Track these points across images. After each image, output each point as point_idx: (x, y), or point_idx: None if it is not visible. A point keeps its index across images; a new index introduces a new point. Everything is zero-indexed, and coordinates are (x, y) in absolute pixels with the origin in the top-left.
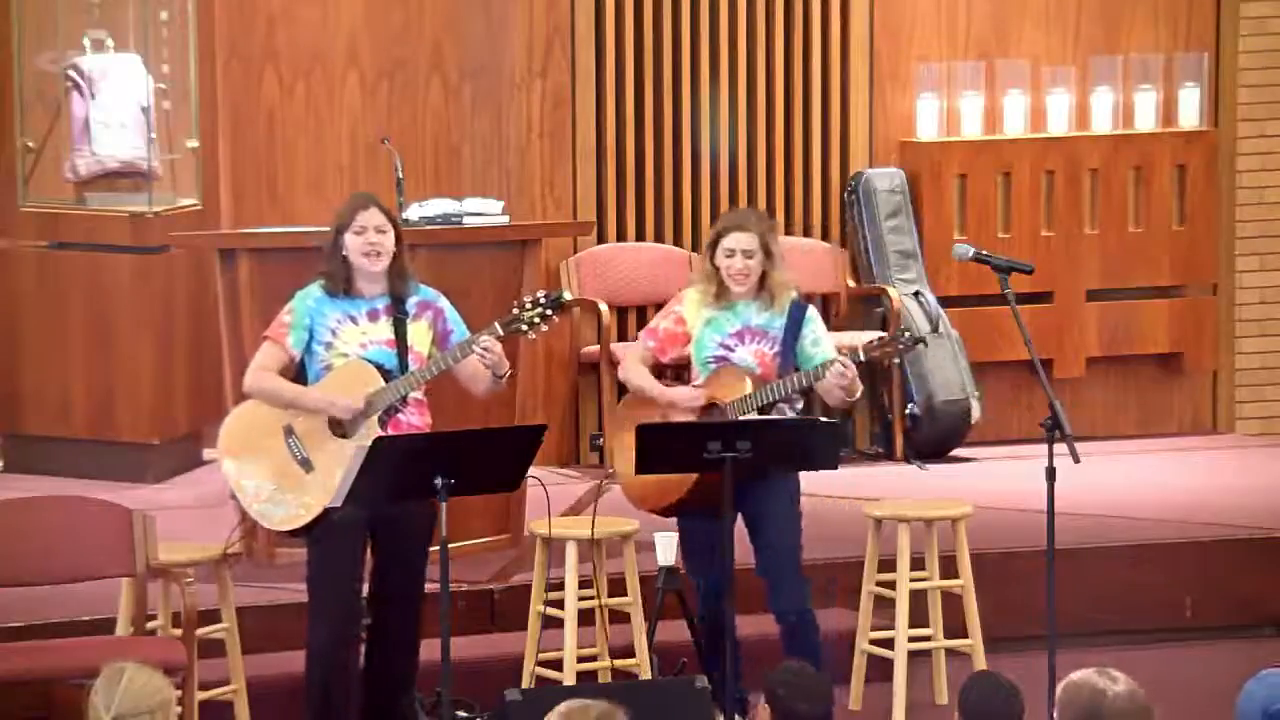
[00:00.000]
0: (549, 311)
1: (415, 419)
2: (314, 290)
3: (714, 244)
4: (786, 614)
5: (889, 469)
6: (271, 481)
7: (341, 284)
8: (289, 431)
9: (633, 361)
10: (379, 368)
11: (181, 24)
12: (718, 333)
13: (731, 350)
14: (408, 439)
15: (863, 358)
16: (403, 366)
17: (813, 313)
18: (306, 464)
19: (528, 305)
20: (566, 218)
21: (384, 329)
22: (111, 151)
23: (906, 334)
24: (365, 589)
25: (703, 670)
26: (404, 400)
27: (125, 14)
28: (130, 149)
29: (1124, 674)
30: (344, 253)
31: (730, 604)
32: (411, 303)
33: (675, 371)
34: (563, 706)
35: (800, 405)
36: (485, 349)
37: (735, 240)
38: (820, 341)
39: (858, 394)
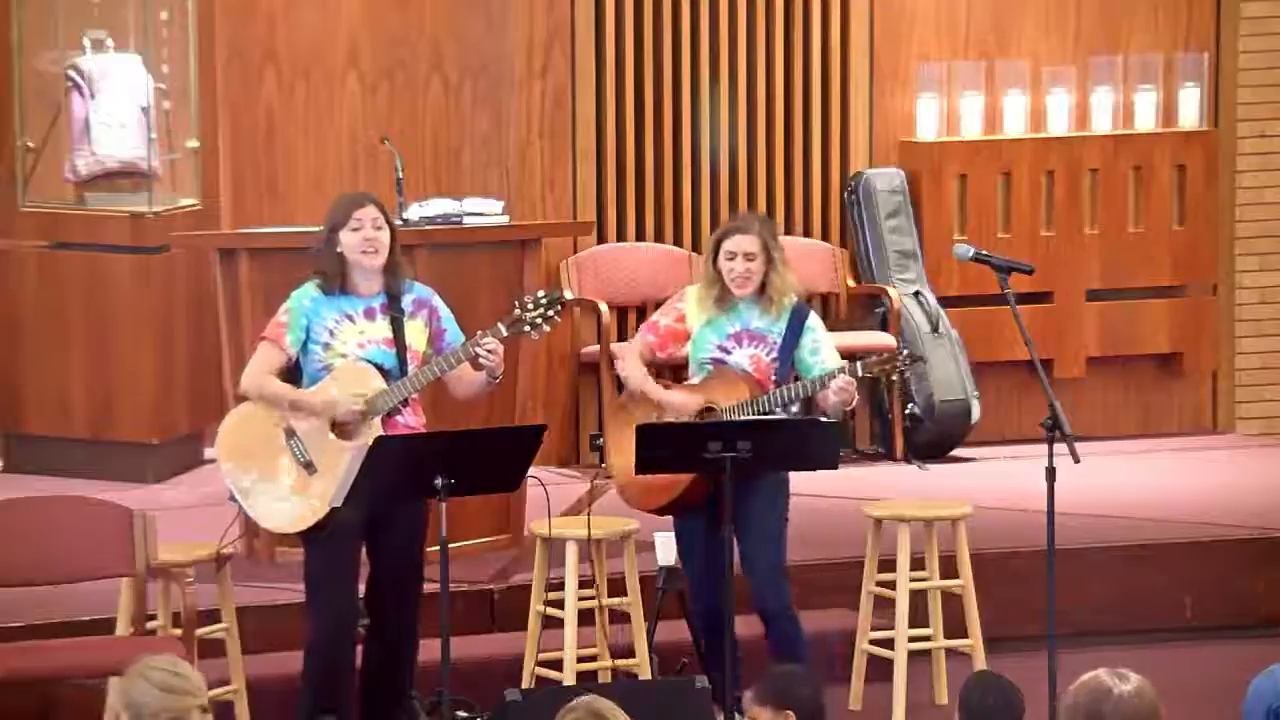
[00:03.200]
0: (551, 311)
1: (411, 419)
2: (309, 289)
3: (715, 248)
4: (766, 614)
5: (889, 469)
6: (275, 484)
7: (337, 282)
8: (290, 434)
9: (632, 358)
10: (378, 368)
11: (181, 24)
12: (716, 334)
13: (728, 353)
14: (408, 439)
15: (861, 373)
16: (401, 365)
17: (814, 320)
18: (310, 466)
19: (529, 305)
20: (566, 218)
21: (381, 328)
22: (111, 151)
23: (905, 352)
24: (361, 589)
25: (703, 670)
26: (404, 401)
27: (125, 14)
28: (130, 149)
29: (1137, 675)
30: (339, 249)
31: (729, 606)
32: (407, 300)
33: (673, 371)
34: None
35: (796, 409)
36: (490, 351)
37: (736, 243)
38: (820, 350)
39: (852, 405)
